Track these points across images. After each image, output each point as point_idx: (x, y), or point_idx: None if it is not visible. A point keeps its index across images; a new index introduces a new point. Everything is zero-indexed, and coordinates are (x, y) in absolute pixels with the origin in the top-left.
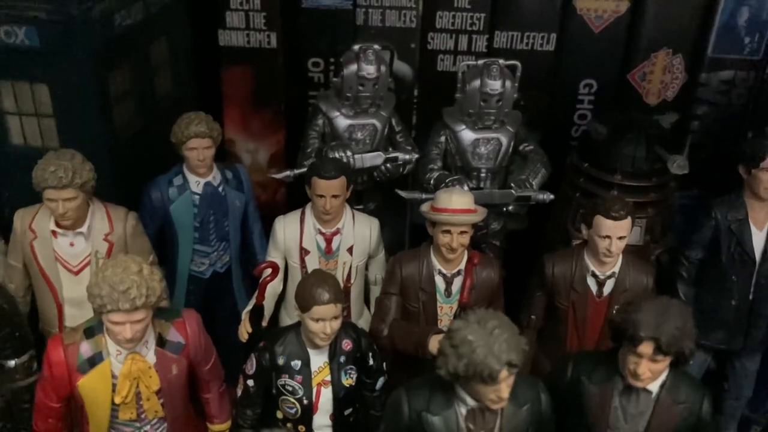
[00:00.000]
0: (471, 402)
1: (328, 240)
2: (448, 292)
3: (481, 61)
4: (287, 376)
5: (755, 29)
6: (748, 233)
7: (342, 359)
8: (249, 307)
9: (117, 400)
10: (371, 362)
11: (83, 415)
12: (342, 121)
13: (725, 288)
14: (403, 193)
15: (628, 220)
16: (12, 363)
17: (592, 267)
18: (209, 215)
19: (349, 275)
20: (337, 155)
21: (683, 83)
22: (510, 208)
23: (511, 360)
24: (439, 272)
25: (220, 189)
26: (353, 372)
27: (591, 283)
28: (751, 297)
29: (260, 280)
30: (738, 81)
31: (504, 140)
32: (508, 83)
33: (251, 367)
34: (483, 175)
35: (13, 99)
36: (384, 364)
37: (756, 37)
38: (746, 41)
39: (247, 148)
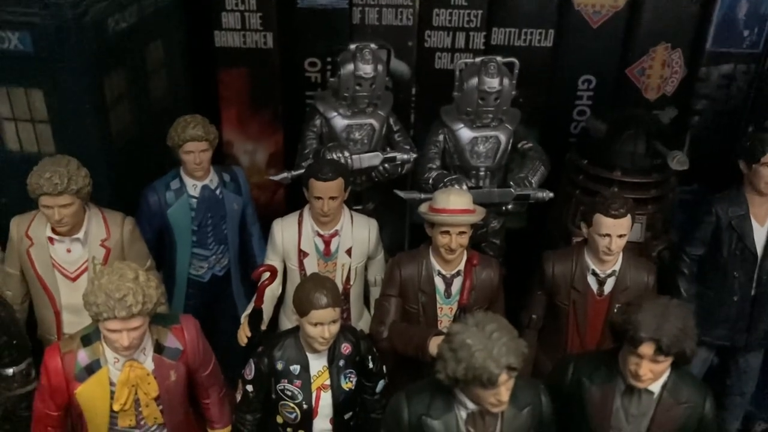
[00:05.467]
0: (471, 406)
1: (326, 242)
2: (447, 293)
3: (478, 59)
4: (286, 380)
5: (754, 22)
6: (749, 229)
7: (341, 363)
8: (248, 310)
9: (116, 408)
10: (371, 365)
11: (82, 422)
12: (339, 122)
13: (727, 284)
14: (401, 194)
15: (628, 217)
16: (10, 371)
17: (592, 265)
18: (207, 218)
19: (348, 277)
20: (334, 156)
21: (682, 78)
22: (509, 206)
23: (511, 363)
24: (439, 273)
25: (218, 192)
26: (353, 376)
27: (591, 281)
28: (753, 293)
29: (259, 284)
30: (738, 75)
31: (502, 138)
32: (505, 81)
33: (250, 372)
34: (482, 173)
35: (8, 105)
36: (384, 366)
37: (755, 30)
38: (745, 34)
39: (245, 150)
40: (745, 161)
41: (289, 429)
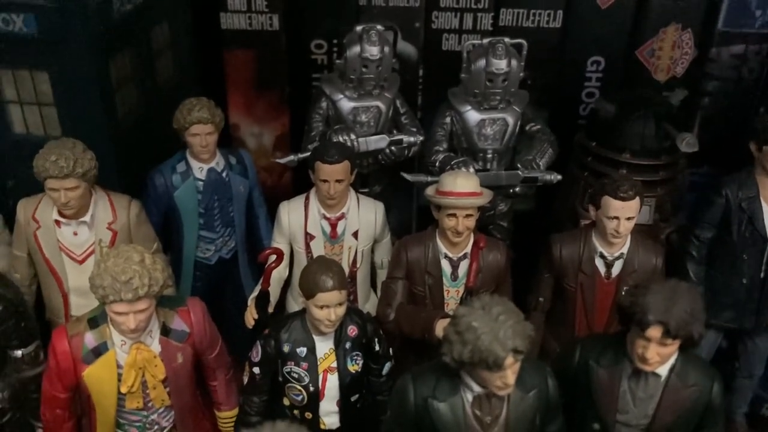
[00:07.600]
0: (477, 388)
1: (332, 225)
2: (454, 276)
3: (486, 40)
4: (293, 363)
5: (767, 2)
6: (759, 211)
7: (348, 345)
8: (255, 293)
9: (123, 390)
10: (377, 348)
11: (90, 404)
12: (346, 104)
13: (736, 266)
14: (408, 176)
15: (637, 200)
16: (18, 353)
17: (600, 248)
18: (213, 201)
19: (354, 260)
20: (340, 139)
21: (693, 59)
22: (517, 189)
23: (517, 346)
24: (445, 256)
25: (224, 174)
26: (359, 358)
27: (599, 264)
28: (762, 275)
29: (265, 267)
30: (749, 55)
31: (510, 120)
32: (514, 62)
33: (257, 354)
34: (489, 156)
35: (14, 88)
36: (390, 349)
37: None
38: (758, 14)
39: (252, 132)
40: (755, 143)
41: (295, 411)
